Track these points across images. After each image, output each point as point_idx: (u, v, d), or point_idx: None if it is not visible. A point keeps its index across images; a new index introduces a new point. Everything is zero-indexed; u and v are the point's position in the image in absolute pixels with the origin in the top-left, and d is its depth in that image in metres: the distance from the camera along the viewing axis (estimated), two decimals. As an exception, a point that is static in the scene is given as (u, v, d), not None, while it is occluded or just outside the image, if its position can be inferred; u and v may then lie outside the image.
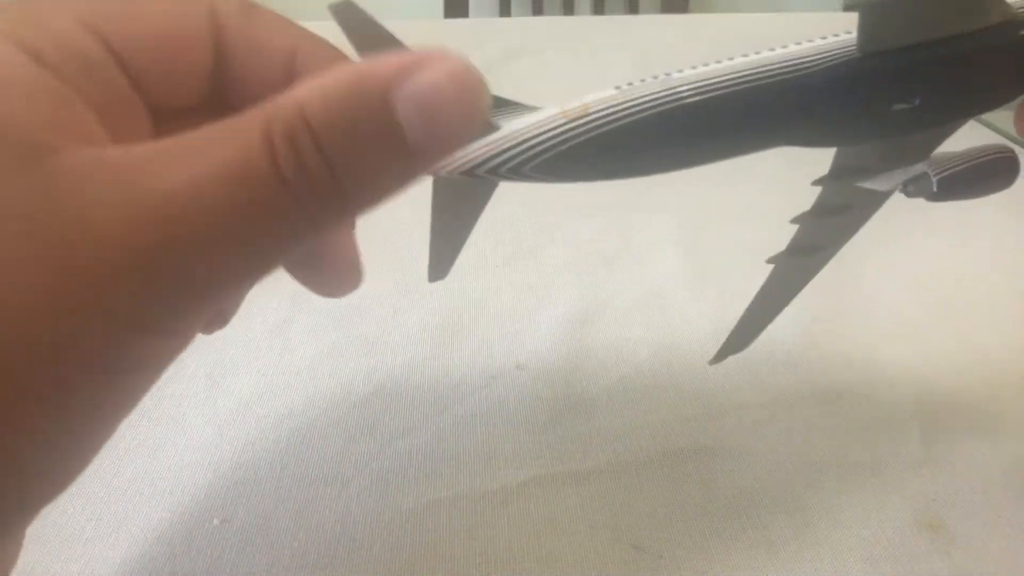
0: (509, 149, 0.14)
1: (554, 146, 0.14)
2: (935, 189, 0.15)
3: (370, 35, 0.14)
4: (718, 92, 0.13)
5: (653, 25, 0.69)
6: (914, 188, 0.15)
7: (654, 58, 0.60)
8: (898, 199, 0.16)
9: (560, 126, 0.14)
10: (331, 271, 0.14)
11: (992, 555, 0.16)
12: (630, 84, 0.15)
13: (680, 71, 0.14)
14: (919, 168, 0.15)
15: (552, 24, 0.73)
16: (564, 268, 0.27)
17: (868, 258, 0.28)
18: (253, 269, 0.11)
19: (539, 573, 0.16)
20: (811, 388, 0.21)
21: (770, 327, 0.24)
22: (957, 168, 0.14)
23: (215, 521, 0.17)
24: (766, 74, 0.13)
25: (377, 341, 0.23)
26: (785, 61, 0.14)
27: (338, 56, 0.14)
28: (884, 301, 0.25)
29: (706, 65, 0.14)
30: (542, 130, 0.14)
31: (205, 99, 0.13)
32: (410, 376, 0.17)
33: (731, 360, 0.23)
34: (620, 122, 0.14)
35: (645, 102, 0.14)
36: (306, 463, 0.19)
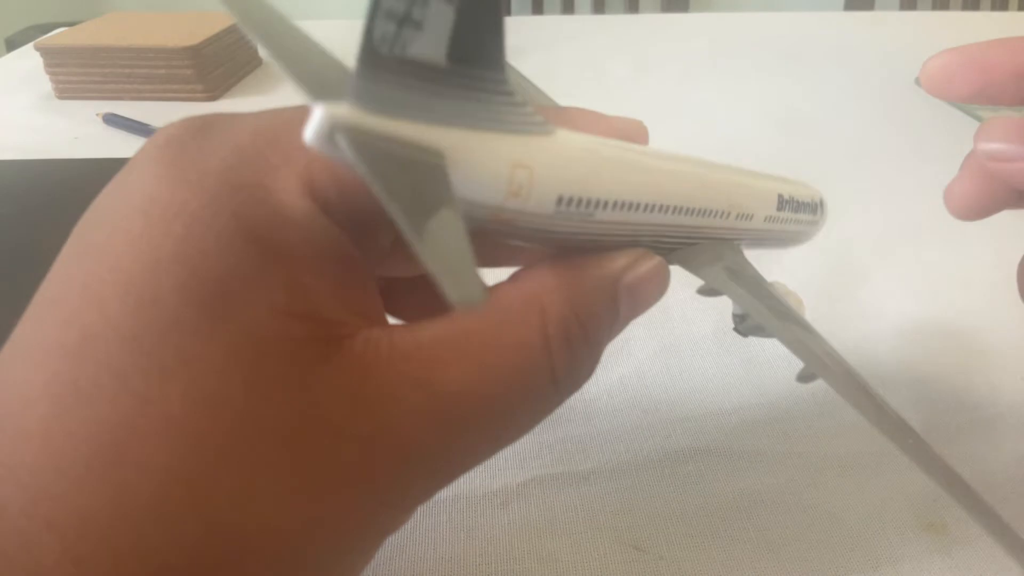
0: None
1: None
2: (742, 334, 0.16)
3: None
4: None
5: (653, 24, 0.69)
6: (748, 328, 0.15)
7: (654, 57, 0.60)
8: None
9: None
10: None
11: (994, 556, 0.16)
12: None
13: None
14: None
15: (552, 23, 0.73)
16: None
17: (869, 258, 0.28)
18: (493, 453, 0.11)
19: (539, 574, 0.16)
20: (812, 388, 0.21)
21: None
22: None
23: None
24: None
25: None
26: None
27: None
28: (885, 300, 0.25)
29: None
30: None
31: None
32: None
33: (732, 361, 0.23)
34: None
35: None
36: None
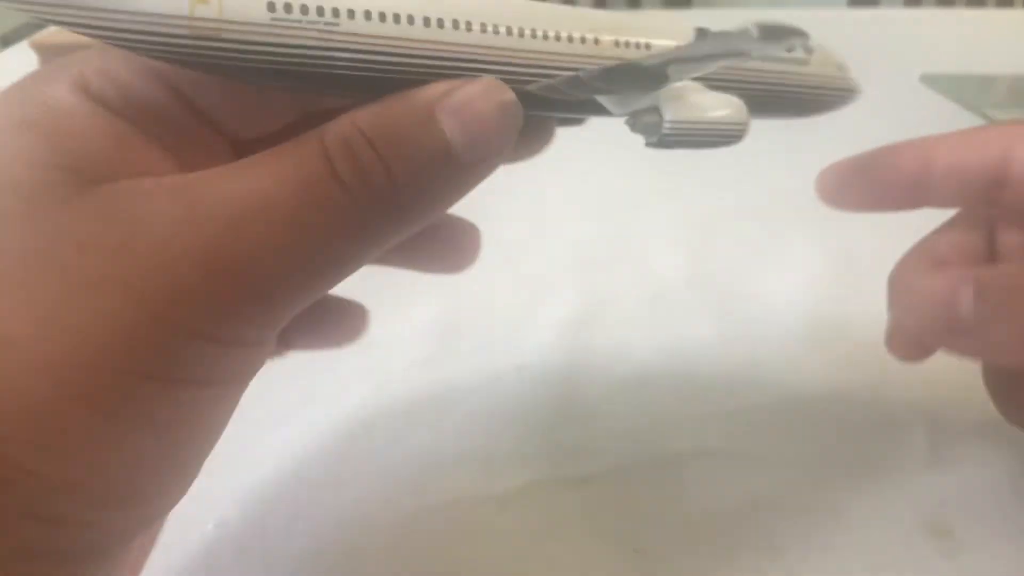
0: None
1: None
2: (657, 139, 0.13)
3: None
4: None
5: (656, 20, 0.68)
6: (640, 124, 0.13)
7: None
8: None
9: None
10: (448, 246, 0.15)
11: (999, 561, 0.16)
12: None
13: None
14: (652, 100, 0.13)
15: (552, 20, 0.72)
16: (565, 269, 0.26)
17: (872, 258, 0.28)
18: (317, 277, 0.11)
19: (539, 578, 0.16)
20: (815, 390, 0.21)
21: (771, 327, 0.24)
22: (693, 127, 0.13)
23: (209, 526, 0.17)
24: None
25: (375, 343, 0.23)
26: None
27: None
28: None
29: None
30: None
31: (290, 127, 0.13)
32: (409, 378, 0.17)
33: (733, 361, 0.23)
34: None
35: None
36: (302, 466, 0.18)
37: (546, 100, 0.13)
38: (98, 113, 0.11)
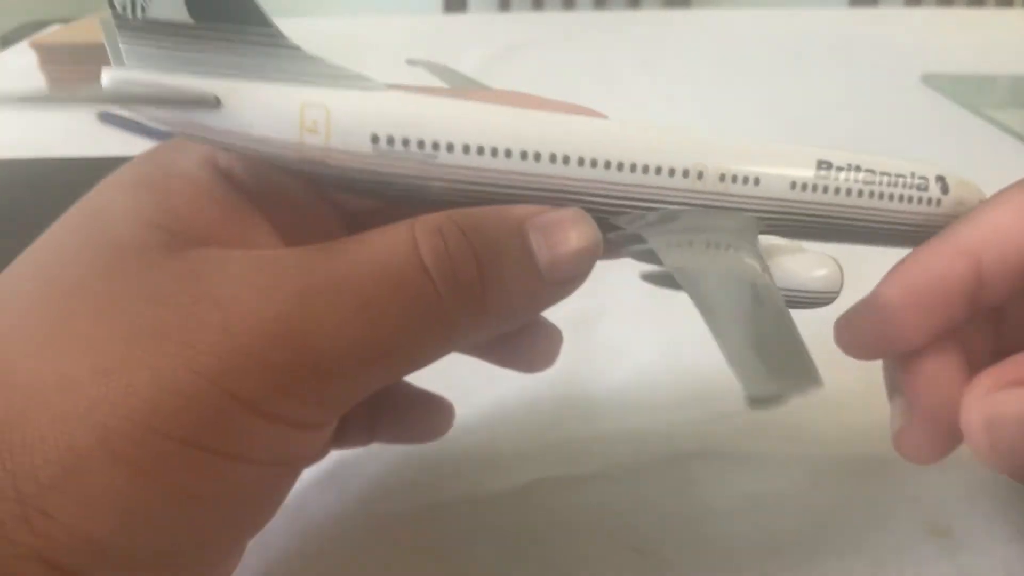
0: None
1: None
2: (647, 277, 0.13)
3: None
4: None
5: (655, 20, 0.68)
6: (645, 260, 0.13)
7: (656, 54, 0.60)
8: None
9: None
10: (528, 348, 0.15)
11: (999, 561, 0.16)
12: None
13: None
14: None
15: (552, 19, 0.72)
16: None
17: (872, 259, 0.28)
18: (384, 365, 0.11)
19: (540, 578, 0.16)
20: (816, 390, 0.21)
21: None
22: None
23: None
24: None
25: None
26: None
27: None
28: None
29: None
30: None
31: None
32: (408, 378, 0.17)
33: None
34: None
35: None
36: (303, 466, 0.18)
37: (630, 235, 0.13)
38: (217, 183, 0.12)
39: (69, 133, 0.39)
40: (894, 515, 0.17)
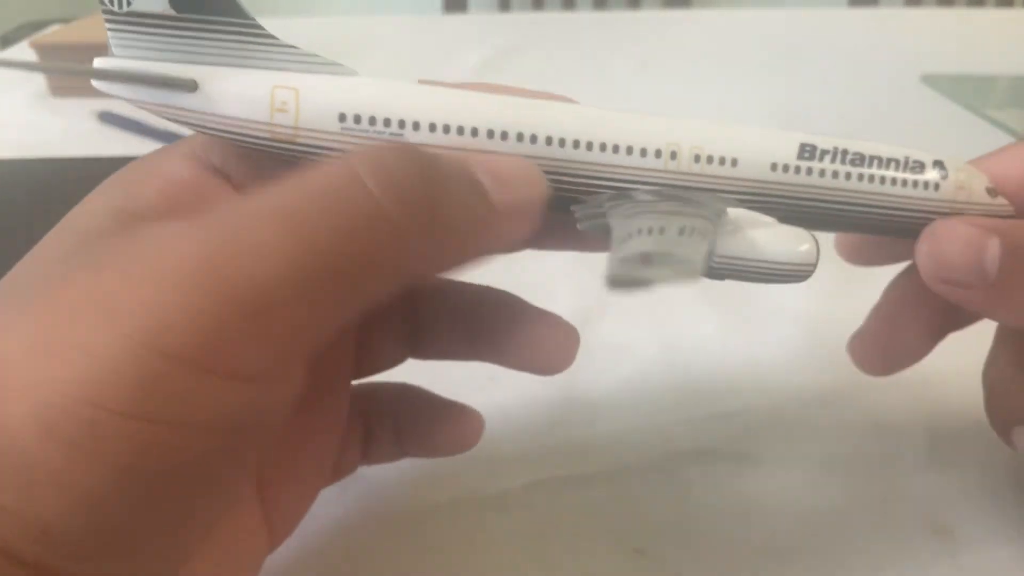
0: None
1: None
2: (707, 268, 0.12)
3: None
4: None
5: (655, 21, 0.68)
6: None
7: (656, 54, 0.60)
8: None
9: None
10: (539, 346, 0.14)
11: (999, 560, 0.16)
12: None
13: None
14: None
15: (553, 20, 0.72)
16: (565, 269, 0.26)
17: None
18: (333, 293, 0.09)
19: (540, 579, 0.16)
20: (816, 390, 0.21)
21: (771, 330, 0.24)
22: (745, 264, 0.12)
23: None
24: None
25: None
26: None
27: None
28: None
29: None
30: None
31: None
32: (408, 378, 0.17)
33: (734, 361, 0.23)
34: None
35: None
36: (303, 466, 0.18)
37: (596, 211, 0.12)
38: (195, 175, 0.12)
39: (69, 133, 0.39)
40: (894, 515, 0.17)
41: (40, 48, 0.43)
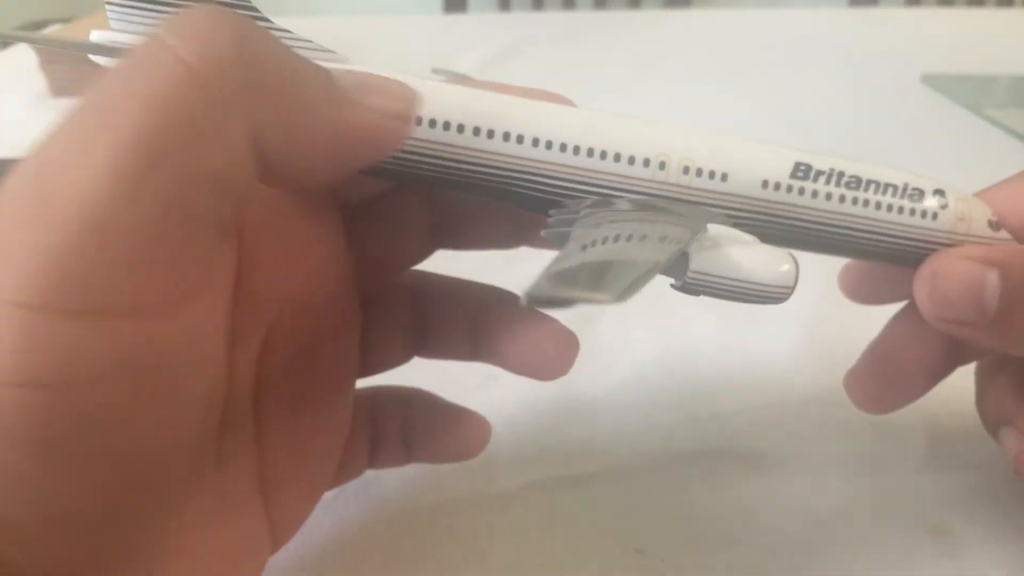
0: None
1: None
2: (680, 283, 0.12)
3: None
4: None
5: (655, 21, 0.68)
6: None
7: (656, 54, 0.60)
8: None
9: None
10: (537, 351, 0.14)
11: (999, 561, 0.16)
12: None
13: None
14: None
15: (553, 20, 0.72)
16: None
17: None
18: (179, 187, 0.08)
19: (540, 578, 0.16)
20: (816, 390, 0.21)
21: (771, 330, 0.24)
22: (720, 282, 0.11)
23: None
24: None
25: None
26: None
27: None
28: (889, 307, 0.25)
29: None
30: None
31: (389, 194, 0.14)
32: (408, 378, 0.17)
33: (734, 362, 0.23)
34: None
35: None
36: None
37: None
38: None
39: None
40: (894, 515, 0.17)
41: (40, 48, 0.43)
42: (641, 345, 0.23)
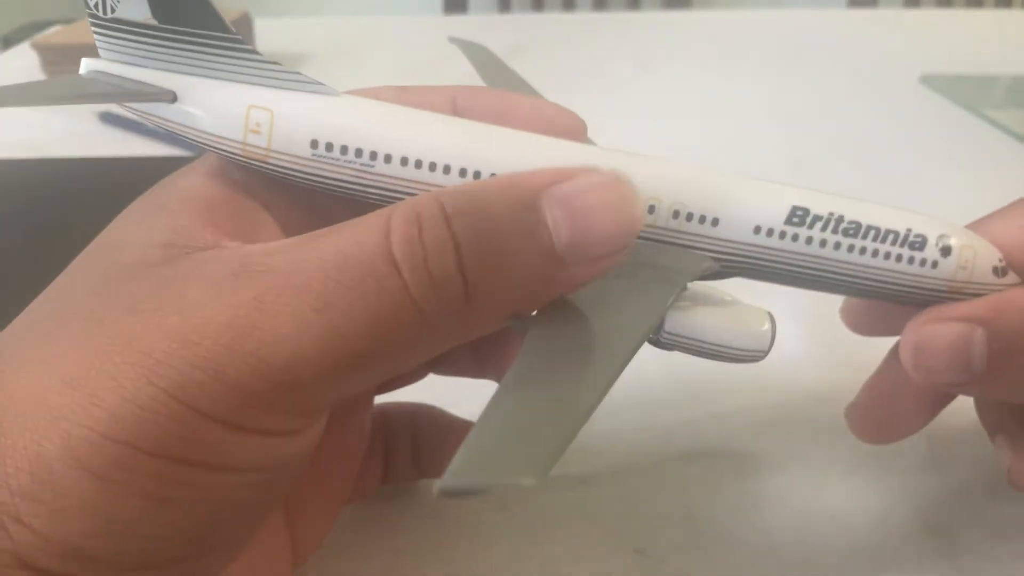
0: None
1: None
2: (654, 339, 0.12)
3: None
4: None
5: (655, 22, 0.68)
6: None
7: (655, 55, 0.60)
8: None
9: None
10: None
11: (999, 561, 0.16)
12: None
13: None
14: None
15: (553, 20, 0.72)
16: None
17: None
18: (352, 369, 0.09)
19: (540, 578, 0.16)
20: (816, 390, 0.21)
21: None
22: (692, 344, 0.12)
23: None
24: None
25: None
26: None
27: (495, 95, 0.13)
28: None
29: None
30: None
31: None
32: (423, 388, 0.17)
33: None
34: None
35: None
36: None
37: None
38: (223, 192, 0.12)
39: (69, 133, 0.39)
40: (894, 515, 0.17)
41: (41, 49, 0.43)
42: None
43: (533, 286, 0.10)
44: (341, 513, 0.15)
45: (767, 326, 0.12)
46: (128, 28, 0.11)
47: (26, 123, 0.41)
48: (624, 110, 0.40)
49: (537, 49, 0.54)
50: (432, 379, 0.17)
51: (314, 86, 0.12)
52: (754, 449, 0.19)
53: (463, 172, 0.12)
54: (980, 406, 0.17)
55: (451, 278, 0.09)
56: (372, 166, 0.11)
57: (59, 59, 0.43)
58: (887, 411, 0.16)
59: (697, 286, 0.12)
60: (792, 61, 0.52)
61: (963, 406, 0.20)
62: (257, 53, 0.12)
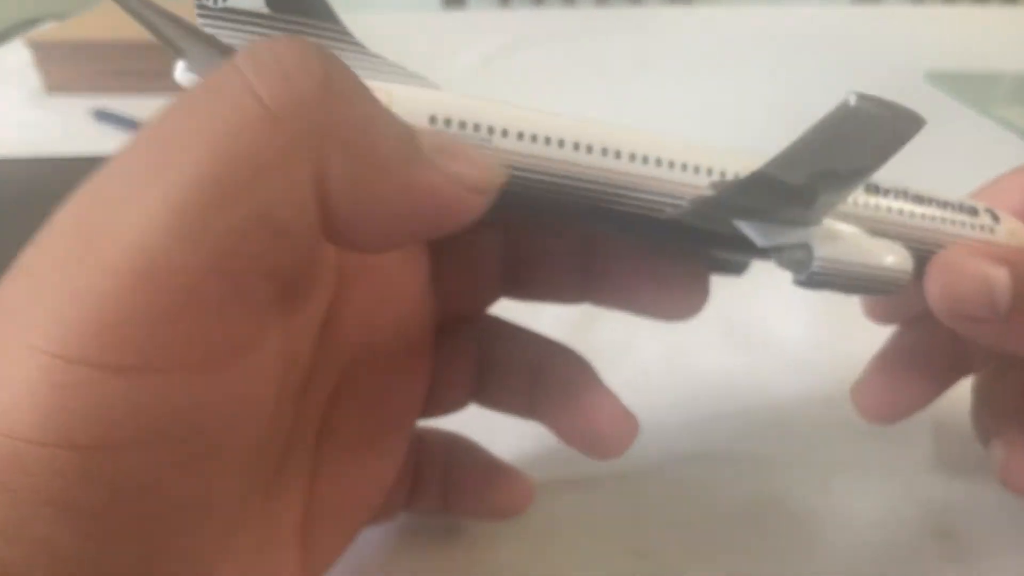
0: None
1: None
2: (805, 276, 0.12)
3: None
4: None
5: (656, 17, 0.68)
6: (787, 258, 0.12)
7: (657, 51, 0.59)
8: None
9: None
10: (593, 427, 0.14)
11: (1004, 564, 0.16)
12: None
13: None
14: (803, 236, 0.12)
15: (553, 15, 0.72)
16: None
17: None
18: (239, 227, 0.08)
19: (539, 582, 0.16)
20: (818, 391, 0.21)
21: (774, 330, 0.23)
22: (846, 269, 0.12)
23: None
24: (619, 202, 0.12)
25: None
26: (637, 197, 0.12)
27: None
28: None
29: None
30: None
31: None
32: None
33: (735, 362, 0.22)
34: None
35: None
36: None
37: (684, 231, 0.12)
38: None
39: (66, 132, 0.39)
40: (898, 518, 0.17)
41: (36, 45, 0.42)
42: (642, 345, 0.23)
43: (397, 163, 0.09)
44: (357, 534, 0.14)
45: (902, 247, 0.12)
46: (239, 17, 0.11)
47: (19, 121, 0.40)
48: (625, 105, 0.39)
49: (537, 45, 0.54)
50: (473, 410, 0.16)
51: (420, 79, 0.12)
52: (757, 451, 0.19)
53: (576, 146, 0.12)
54: (975, 411, 0.17)
55: (315, 90, 0.08)
56: (490, 140, 0.12)
57: (53, 55, 0.43)
58: (893, 386, 0.16)
59: (829, 222, 0.12)
60: (796, 57, 0.52)
61: (967, 407, 0.20)
62: (364, 47, 0.12)
